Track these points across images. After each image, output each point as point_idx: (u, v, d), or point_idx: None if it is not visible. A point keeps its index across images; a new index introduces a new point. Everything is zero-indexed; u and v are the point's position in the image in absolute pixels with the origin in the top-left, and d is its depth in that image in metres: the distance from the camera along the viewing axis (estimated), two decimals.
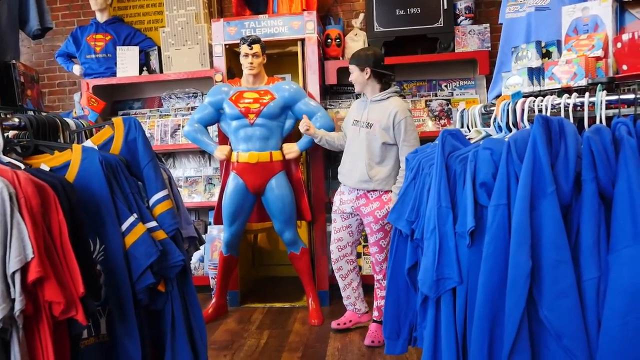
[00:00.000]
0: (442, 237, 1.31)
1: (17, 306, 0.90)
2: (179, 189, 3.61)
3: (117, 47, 3.58)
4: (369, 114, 2.50)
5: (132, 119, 1.28)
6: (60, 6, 4.08)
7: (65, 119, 1.38)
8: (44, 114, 1.38)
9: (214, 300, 3.09)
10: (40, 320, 0.92)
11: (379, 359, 2.37)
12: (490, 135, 1.50)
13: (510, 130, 1.42)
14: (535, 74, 1.60)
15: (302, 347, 2.57)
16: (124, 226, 1.14)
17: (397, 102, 2.49)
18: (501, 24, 2.35)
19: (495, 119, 1.48)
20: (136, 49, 3.58)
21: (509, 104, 1.41)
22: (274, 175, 2.88)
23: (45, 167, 1.13)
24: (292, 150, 2.89)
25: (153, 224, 1.20)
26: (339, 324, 2.73)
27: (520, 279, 1.12)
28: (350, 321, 2.74)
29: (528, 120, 1.37)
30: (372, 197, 2.50)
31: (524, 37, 2.12)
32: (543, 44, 1.73)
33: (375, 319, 2.59)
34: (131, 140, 1.25)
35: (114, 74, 3.59)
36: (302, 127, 2.66)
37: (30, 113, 1.38)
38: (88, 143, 1.26)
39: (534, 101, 1.37)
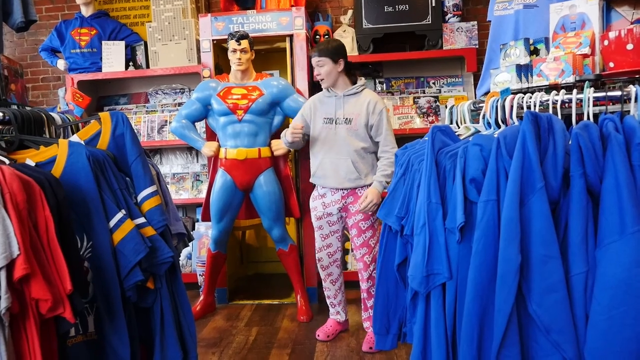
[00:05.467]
0: (432, 232, 1.31)
1: (3, 304, 0.88)
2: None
3: (103, 42, 3.53)
4: (344, 110, 2.40)
5: (120, 113, 1.26)
6: None
7: (51, 113, 1.35)
8: (28, 108, 1.35)
9: (202, 297, 3.07)
10: (27, 318, 0.91)
11: (368, 355, 2.38)
12: (480, 131, 1.51)
13: (499, 126, 1.43)
14: (524, 70, 1.61)
15: (291, 344, 2.56)
16: (112, 222, 1.13)
17: (372, 94, 2.44)
18: (489, 21, 2.36)
19: (484, 115, 1.48)
20: (122, 43, 3.53)
21: (497, 100, 1.42)
22: (262, 172, 2.87)
23: (31, 163, 1.11)
24: (280, 146, 2.88)
25: (141, 220, 1.19)
26: (328, 336, 2.58)
27: (510, 274, 1.13)
28: (337, 330, 2.64)
29: (517, 117, 1.38)
30: (360, 193, 2.43)
31: (512, 35, 2.14)
32: (531, 41, 1.74)
33: (367, 329, 2.52)
34: (119, 135, 1.23)
35: (99, 69, 3.54)
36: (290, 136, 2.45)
37: (15, 107, 1.35)
38: (74, 138, 1.24)
39: (523, 98, 1.38)
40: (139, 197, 1.23)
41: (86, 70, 3.56)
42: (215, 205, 2.89)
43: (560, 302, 1.11)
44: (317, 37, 3.37)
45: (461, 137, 1.50)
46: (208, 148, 2.88)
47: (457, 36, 3.31)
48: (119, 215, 1.13)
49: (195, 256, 3.39)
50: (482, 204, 1.20)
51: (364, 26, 3.35)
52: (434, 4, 3.26)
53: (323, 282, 2.62)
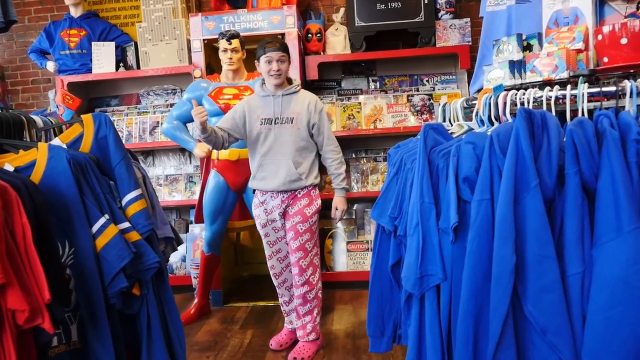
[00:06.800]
0: (426, 233, 1.28)
1: None
2: (159, 187, 3.58)
3: (93, 43, 3.48)
4: (283, 109, 2.28)
5: (103, 115, 1.22)
6: (32, 0, 3.95)
7: (33, 116, 1.31)
8: (11, 111, 1.31)
9: (196, 300, 3.04)
10: (3, 330, 0.87)
11: (364, 356, 2.35)
12: (473, 129, 1.48)
13: (492, 123, 1.40)
14: (517, 67, 1.58)
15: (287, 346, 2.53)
16: (95, 228, 1.09)
17: (310, 94, 2.38)
18: (482, 17, 2.34)
19: (477, 112, 1.46)
20: (112, 44, 3.49)
21: (490, 97, 1.40)
22: None
23: (9, 167, 1.07)
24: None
25: (126, 225, 1.15)
26: (281, 345, 2.50)
27: (505, 274, 1.10)
28: (291, 339, 2.54)
29: (510, 114, 1.35)
30: (300, 194, 2.32)
31: (505, 30, 2.12)
32: (524, 37, 1.72)
33: (299, 338, 2.41)
34: (101, 137, 1.20)
35: (89, 71, 3.50)
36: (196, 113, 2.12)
37: None
38: (56, 141, 1.20)
39: (516, 94, 1.35)
40: (124, 201, 1.19)
41: (76, 71, 3.51)
42: (208, 206, 2.86)
43: (556, 303, 1.09)
44: (309, 35, 3.34)
45: (454, 135, 1.47)
46: (200, 149, 2.83)
47: (450, 33, 3.29)
48: (102, 220, 1.10)
49: (190, 258, 3.35)
50: (476, 203, 1.17)
51: (356, 24, 3.32)
52: (426, 1, 3.24)
53: (277, 289, 2.51)
